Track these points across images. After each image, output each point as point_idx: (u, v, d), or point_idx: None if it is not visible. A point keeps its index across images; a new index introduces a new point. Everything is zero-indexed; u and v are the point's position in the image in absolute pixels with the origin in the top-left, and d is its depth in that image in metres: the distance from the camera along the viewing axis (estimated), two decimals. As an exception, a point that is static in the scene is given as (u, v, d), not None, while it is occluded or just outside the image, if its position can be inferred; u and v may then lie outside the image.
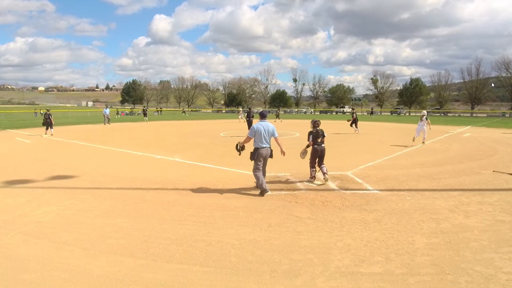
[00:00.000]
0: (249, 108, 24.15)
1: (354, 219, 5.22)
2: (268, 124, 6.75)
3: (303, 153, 7.68)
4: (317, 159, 7.60)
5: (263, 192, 6.55)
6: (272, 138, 6.84)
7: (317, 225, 4.97)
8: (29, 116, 43.01)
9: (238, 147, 7.08)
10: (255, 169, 6.68)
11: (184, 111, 60.48)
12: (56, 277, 3.50)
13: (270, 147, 6.78)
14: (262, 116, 7.00)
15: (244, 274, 3.57)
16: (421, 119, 14.66)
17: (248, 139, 6.84)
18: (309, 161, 7.75)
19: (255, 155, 6.63)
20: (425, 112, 15.81)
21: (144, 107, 48.30)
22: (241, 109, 44.41)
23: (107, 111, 29.19)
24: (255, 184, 6.97)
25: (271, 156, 6.83)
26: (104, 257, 3.96)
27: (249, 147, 7.00)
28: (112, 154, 12.24)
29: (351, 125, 21.22)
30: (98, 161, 10.72)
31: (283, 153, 6.89)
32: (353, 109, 23.83)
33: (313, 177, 7.66)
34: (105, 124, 27.22)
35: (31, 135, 18.43)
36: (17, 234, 4.63)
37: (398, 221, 5.12)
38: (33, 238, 4.48)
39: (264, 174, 6.85)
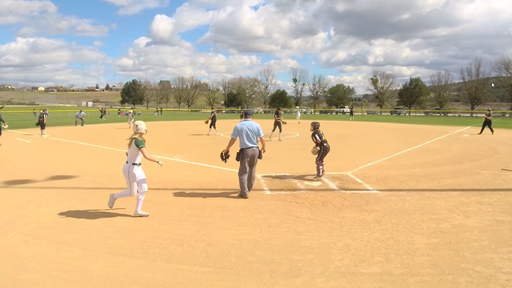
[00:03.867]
0: (211, 108, 21.99)
1: (354, 219, 5.22)
2: (252, 123, 6.48)
3: (315, 151, 7.97)
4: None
5: (242, 196, 6.39)
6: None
7: (317, 225, 4.97)
8: (29, 117, 42.97)
9: (223, 155, 6.63)
10: (241, 172, 6.42)
11: (157, 111, 62.92)
12: (56, 277, 3.50)
13: (257, 147, 6.51)
14: (245, 115, 6.75)
15: (244, 274, 3.57)
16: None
17: (232, 141, 6.49)
18: (316, 159, 7.90)
19: (241, 156, 6.39)
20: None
21: (102, 107, 45.53)
22: (131, 110, 31.17)
23: (81, 114, 27.75)
24: (241, 191, 6.49)
25: (259, 156, 6.56)
26: (104, 257, 3.96)
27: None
28: (112, 154, 12.24)
29: (210, 126, 19.54)
30: (98, 161, 10.72)
31: (263, 150, 6.72)
32: (212, 108, 22.47)
33: (321, 174, 7.85)
34: (75, 126, 26.23)
35: (31, 135, 18.44)
36: (17, 234, 4.63)
37: (398, 221, 5.12)
38: (33, 238, 4.48)
39: (252, 178, 6.64)
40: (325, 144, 7.94)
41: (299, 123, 29.15)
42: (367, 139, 17.77)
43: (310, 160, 8.90)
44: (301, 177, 8.06)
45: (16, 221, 5.12)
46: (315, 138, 7.91)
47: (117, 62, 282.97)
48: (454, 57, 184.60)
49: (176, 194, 6.68)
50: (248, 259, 3.92)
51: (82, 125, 26.98)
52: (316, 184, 7.44)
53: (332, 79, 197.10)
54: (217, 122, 20.18)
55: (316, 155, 7.90)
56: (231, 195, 6.64)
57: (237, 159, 6.45)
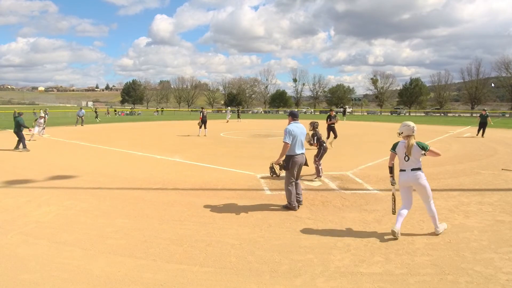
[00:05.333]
0: (202, 108, 20.83)
1: (354, 219, 5.22)
2: (302, 127, 5.78)
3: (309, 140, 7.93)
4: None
5: (290, 208, 5.65)
6: None
7: (317, 225, 4.97)
8: (29, 117, 42.93)
9: (273, 166, 5.69)
10: (289, 183, 5.63)
11: (157, 111, 65.63)
12: (56, 277, 3.50)
13: (304, 154, 5.78)
14: (294, 116, 5.83)
15: (244, 274, 3.57)
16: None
17: (287, 147, 5.51)
18: (316, 160, 7.91)
19: (290, 164, 5.55)
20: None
21: (95, 108, 46.39)
22: (43, 114, 19.57)
23: (81, 112, 27.54)
24: (286, 203, 5.78)
25: (306, 164, 5.86)
26: (104, 257, 3.96)
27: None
28: (112, 154, 12.24)
29: (200, 127, 18.87)
30: (98, 161, 10.72)
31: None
32: (202, 108, 21.04)
33: (321, 174, 7.90)
34: (75, 126, 26.11)
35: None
36: (17, 234, 4.63)
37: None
38: (33, 238, 4.48)
39: (300, 189, 5.87)
40: (324, 144, 8.01)
41: (227, 122, 29.46)
42: (367, 139, 17.77)
43: (309, 160, 8.87)
44: (301, 177, 8.05)
45: (16, 221, 5.12)
46: (314, 140, 7.83)
47: (117, 62, 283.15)
48: (454, 57, 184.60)
49: (176, 194, 6.68)
50: (248, 259, 3.92)
51: (82, 125, 26.97)
52: (316, 184, 7.44)
53: (332, 79, 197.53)
54: (218, 122, 20.06)
55: (308, 143, 7.58)
56: (231, 195, 6.64)
57: (284, 168, 5.62)
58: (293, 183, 5.66)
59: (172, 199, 6.33)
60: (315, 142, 7.85)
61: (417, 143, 4.50)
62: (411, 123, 4.58)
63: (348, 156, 11.42)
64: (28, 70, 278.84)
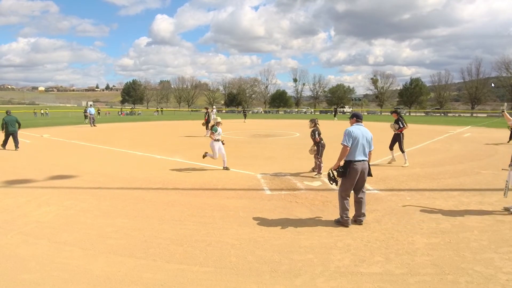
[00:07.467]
0: (206, 108, 19.65)
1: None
2: (367, 130, 5.15)
3: (313, 151, 8.21)
4: None
5: (343, 223, 4.94)
6: None
7: (317, 225, 4.97)
8: (29, 116, 43.02)
9: (332, 174, 5.05)
10: (344, 194, 4.93)
11: (157, 111, 65.87)
12: (56, 277, 3.50)
13: (367, 161, 5.04)
14: (358, 117, 5.26)
15: (244, 274, 3.57)
16: None
17: (346, 151, 4.88)
18: (316, 157, 8.18)
19: (347, 171, 4.87)
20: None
21: (85, 108, 44.34)
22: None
23: (92, 110, 26.28)
24: (338, 217, 5.03)
25: (369, 173, 5.07)
26: (104, 257, 3.96)
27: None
28: (112, 154, 12.24)
29: (207, 128, 18.23)
30: (98, 161, 10.72)
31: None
32: (206, 108, 19.82)
33: (321, 172, 8.05)
34: (91, 126, 25.10)
35: (31, 135, 18.42)
36: (17, 234, 4.63)
37: (398, 221, 5.12)
38: (33, 238, 4.48)
39: (364, 203, 5.04)
40: (322, 141, 8.22)
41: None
42: (367, 139, 17.75)
43: (309, 160, 8.90)
44: (301, 177, 8.06)
45: (16, 221, 5.12)
46: (315, 135, 8.13)
47: (118, 62, 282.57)
48: (454, 57, 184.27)
49: (176, 194, 6.69)
50: (248, 259, 3.92)
51: (88, 124, 26.60)
52: (316, 184, 7.45)
53: (332, 79, 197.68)
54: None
55: (315, 153, 8.16)
56: (231, 195, 6.64)
57: (341, 175, 4.92)
58: (349, 195, 4.97)
59: (172, 199, 6.33)
60: (317, 137, 8.09)
61: None
62: None
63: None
64: (29, 70, 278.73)
